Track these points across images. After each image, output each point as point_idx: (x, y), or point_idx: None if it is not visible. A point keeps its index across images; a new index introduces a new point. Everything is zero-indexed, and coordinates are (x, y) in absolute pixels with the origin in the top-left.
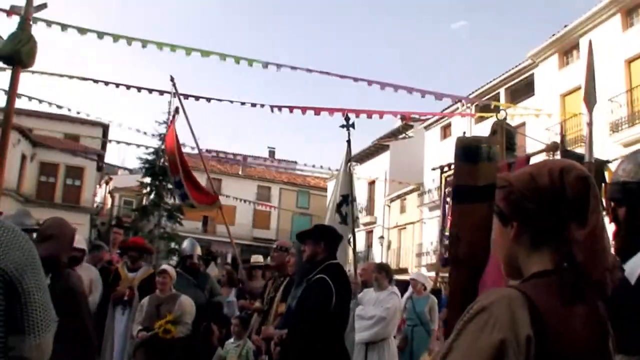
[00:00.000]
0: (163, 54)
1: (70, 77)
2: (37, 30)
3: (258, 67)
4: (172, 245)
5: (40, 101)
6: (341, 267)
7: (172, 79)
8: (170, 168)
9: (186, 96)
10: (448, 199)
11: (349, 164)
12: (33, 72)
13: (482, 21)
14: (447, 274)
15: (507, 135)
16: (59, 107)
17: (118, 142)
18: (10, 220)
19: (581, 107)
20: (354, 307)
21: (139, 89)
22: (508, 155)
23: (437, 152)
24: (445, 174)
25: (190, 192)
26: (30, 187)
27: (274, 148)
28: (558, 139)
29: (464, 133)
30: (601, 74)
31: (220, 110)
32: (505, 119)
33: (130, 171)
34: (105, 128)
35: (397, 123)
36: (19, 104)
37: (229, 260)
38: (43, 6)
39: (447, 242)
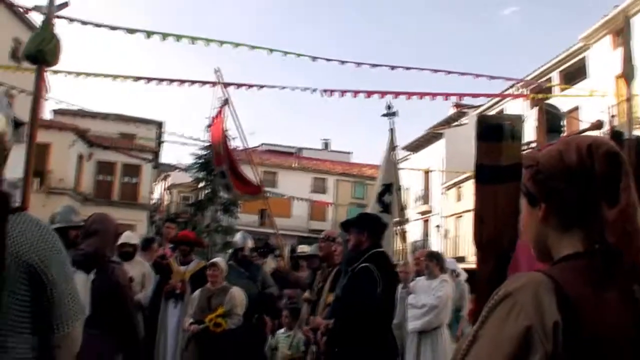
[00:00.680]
0: (210, 53)
1: (125, 77)
2: (99, 33)
3: (306, 60)
4: (229, 238)
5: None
6: (386, 256)
7: (217, 70)
8: (214, 159)
9: (238, 85)
10: None
11: (392, 152)
12: (87, 74)
13: (533, 5)
14: None
15: (553, 117)
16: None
17: (173, 139)
18: (57, 217)
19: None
20: (406, 296)
21: (192, 82)
22: (553, 138)
23: None
24: None
25: (234, 183)
26: (88, 186)
27: (328, 139)
28: (613, 122)
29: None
30: None
31: (273, 105)
32: (545, 99)
33: (185, 170)
34: (159, 126)
35: (451, 111)
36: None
37: (286, 252)
38: (64, 5)
39: None
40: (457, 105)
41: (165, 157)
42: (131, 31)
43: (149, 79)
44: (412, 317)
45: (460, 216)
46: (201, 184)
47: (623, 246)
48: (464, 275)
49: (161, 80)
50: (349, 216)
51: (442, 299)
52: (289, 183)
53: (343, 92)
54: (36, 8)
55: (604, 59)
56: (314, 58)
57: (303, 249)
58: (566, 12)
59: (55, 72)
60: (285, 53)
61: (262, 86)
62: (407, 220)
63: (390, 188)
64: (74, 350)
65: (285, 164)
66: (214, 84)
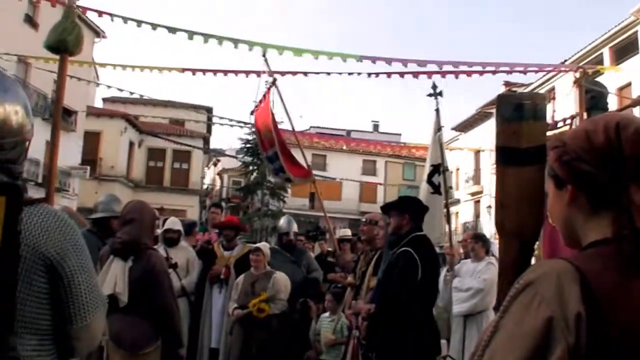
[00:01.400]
0: (255, 55)
1: (171, 69)
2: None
3: (351, 62)
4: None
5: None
6: (427, 239)
7: (263, 55)
8: (261, 144)
9: (283, 73)
10: None
11: (438, 133)
12: (134, 67)
13: None
14: None
15: (597, 95)
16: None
17: (222, 123)
18: (100, 206)
19: None
20: (451, 279)
21: (237, 72)
22: (597, 115)
23: None
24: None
25: (286, 165)
26: (139, 172)
27: (377, 122)
28: None
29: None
30: None
31: (322, 89)
32: (585, 74)
33: (234, 157)
34: (209, 111)
35: (501, 90)
36: (123, 93)
37: (337, 235)
38: None
39: None
40: (506, 84)
41: (215, 142)
42: (172, 30)
43: (194, 71)
44: (458, 300)
45: None
46: (249, 168)
47: None
48: None
49: (206, 71)
50: None
51: (488, 282)
52: (339, 166)
53: (389, 74)
54: None
55: None
56: (360, 58)
57: (345, 232)
58: None
59: (103, 65)
60: (331, 55)
61: (307, 73)
62: (457, 201)
63: (438, 169)
64: (94, 342)
65: (334, 147)
66: (259, 73)
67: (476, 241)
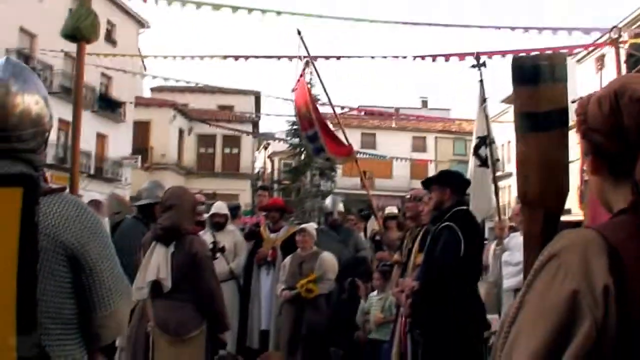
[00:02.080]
0: (296, 24)
1: (212, 56)
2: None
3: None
4: None
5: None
6: (470, 213)
7: (299, 32)
8: (300, 124)
9: (326, 57)
10: None
11: (483, 104)
12: (174, 57)
13: None
14: None
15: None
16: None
17: (270, 107)
18: (144, 193)
19: None
20: (501, 253)
21: (279, 57)
22: None
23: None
24: None
25: (327, 144)
26: (190, 159)
27: (426, 98)
28: None
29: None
30: None
31: (368, 68)
32: (620, 34)
33: (284, 140)
34: (257, 96)
35: None
36: (170, 82)
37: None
38: None
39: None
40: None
41: (265, 126)
42: (217, 7)
43: (237, 57)
44: (507, 274)
45: None
46: (297, 150)
47: None
48: None
49: (248, 57)
50: None
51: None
52: (388, 144)
53: (434, 57)
54: None
55: None
56: (403, 23)
57: (391, 210)
58: None
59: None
60: (373, 22)
61: (350, 57)
62: (509, 175)
63: (485, 141)
64: (120, 330)
65: (383, 125)
66: (300, 57)
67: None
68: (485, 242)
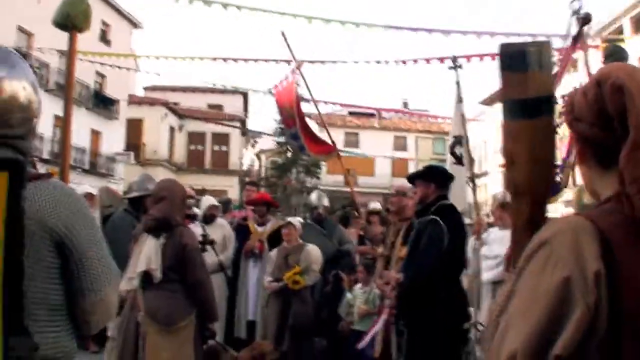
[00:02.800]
0: (283, 24)
1: (202, 58)
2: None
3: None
4: None
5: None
6: (454, 208)
7: (282, 34)
8: (285, 122)
9: (312, 62)
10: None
11: (459, 105)
12: (167, 57)
13: None
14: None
15: (619, 58)
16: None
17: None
18: (134, 186)
19: None
20: (480, 248)
21: (267, 60)
22: None
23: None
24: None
25: (306, 143)
26: (180, 156)
27: (406, 99)
28: None
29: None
30: None
31: (352, 73)
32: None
33: (271, 135)
34: (245, 96)
35: None
36: (162, 81)
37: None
38: None
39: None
40: None
41: (252, 124)
42: (208, 3)
43: (226, 59)
44: (486, 268)
45: None
46: (283, 148)
47: (633, 193)
48: None
49: (237, 59)
50: None
51: None
52: (371, 143)
53: (415, 60)
54: None
55: None
56: (387, 27)
57: (374, 205)
58: None
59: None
60: (358, 24)
61: (335, 62)
62: (485, 173)
63: (460, 140)
64: (108, 317)
65: (366, 125)
66: (289, 62)
67: (503, 209)
68: None
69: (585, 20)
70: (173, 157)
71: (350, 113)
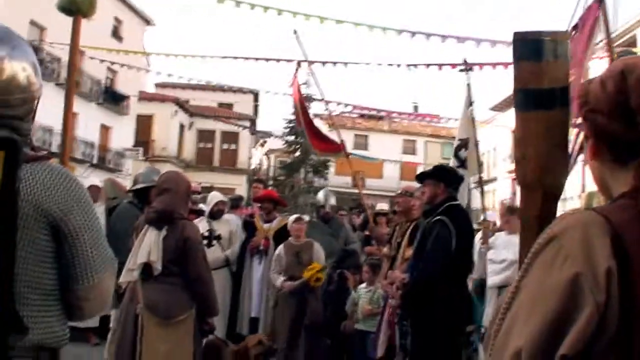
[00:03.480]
0: (296, 25)
1: (212, 57)
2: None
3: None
4: None
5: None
6: (462, 209)
7: (295, 32)
8: (296, 118)
9: (323, 63)
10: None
11: (469, 107)
12: (176, 55)
13: None
14: None
15: None
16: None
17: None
18: (140, 177)
19: None
20: (486, 252)
21: (277, 60)
22: None
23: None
24: None
25: (312, 141)
26: (189, 153)
27: (417, 103)
28: None
29: None
30: None
31: (364, 75)
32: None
33: (280, 136)
34: (255, 95)
35: None
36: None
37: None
38: None
39: None
40: None
41: (262, 124)
42: (221, 0)
43: (236, 57)
44: (492, 272)
45: None
46: (292, 147)
47: None
48: None
49: (247, 58)
50: None
51: None
52: (380, 146)
53: (427, 65)
54: None
55: None
56: (400, 31)
57: (382, 206)
58: None
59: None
60: (371, 27)
61: (347, 63)
62: (494, 179)
63: (467, 143)
64: (103, 304)
65: (376, 128)
66: (299, 62)
67: (511, 214)
68: None
69: None
70: (182, 154)
71: (360, 115)
